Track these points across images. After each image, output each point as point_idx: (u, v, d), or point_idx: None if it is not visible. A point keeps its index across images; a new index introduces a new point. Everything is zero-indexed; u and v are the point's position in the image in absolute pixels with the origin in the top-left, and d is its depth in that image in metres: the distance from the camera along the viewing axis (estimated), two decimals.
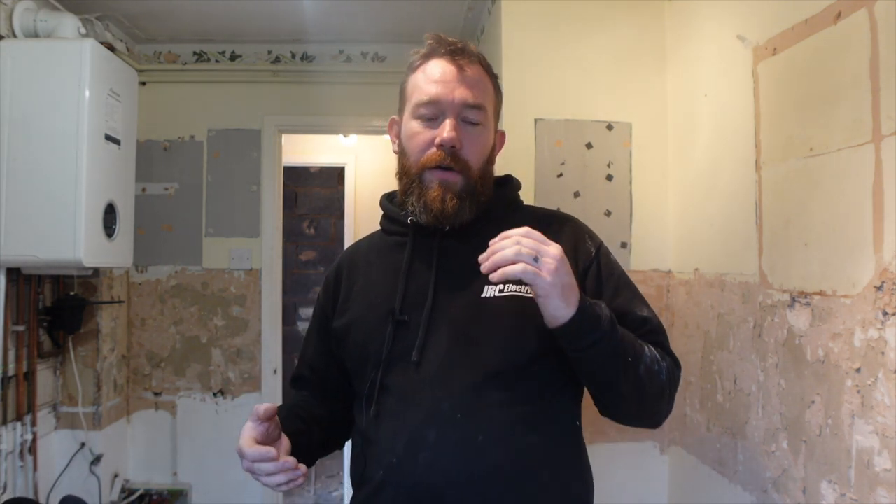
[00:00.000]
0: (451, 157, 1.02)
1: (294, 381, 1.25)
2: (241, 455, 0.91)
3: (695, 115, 1.96)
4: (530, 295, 0.97)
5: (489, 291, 1.02)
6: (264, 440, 0.93)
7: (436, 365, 0.99)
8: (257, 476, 0.91)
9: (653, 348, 1.01)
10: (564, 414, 1.04)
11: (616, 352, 0.93)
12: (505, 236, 0.89)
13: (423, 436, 0.97)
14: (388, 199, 1.19)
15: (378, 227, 1.23)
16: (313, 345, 1.21)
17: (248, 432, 0.93)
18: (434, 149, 1.03)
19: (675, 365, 1.06)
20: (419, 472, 0.96)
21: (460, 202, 1.03)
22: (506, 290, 1.02)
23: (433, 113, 1.04)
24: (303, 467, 0.92)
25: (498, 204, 1.12)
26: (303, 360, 1.23)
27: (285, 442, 0.98)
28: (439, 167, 1.03)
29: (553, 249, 0.88)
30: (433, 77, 1.04)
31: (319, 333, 1.19)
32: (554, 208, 1.23)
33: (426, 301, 1.03)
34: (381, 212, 1.23)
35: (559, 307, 0.88)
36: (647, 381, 0.97)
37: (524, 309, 0.99)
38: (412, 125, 1.06)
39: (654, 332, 1.05)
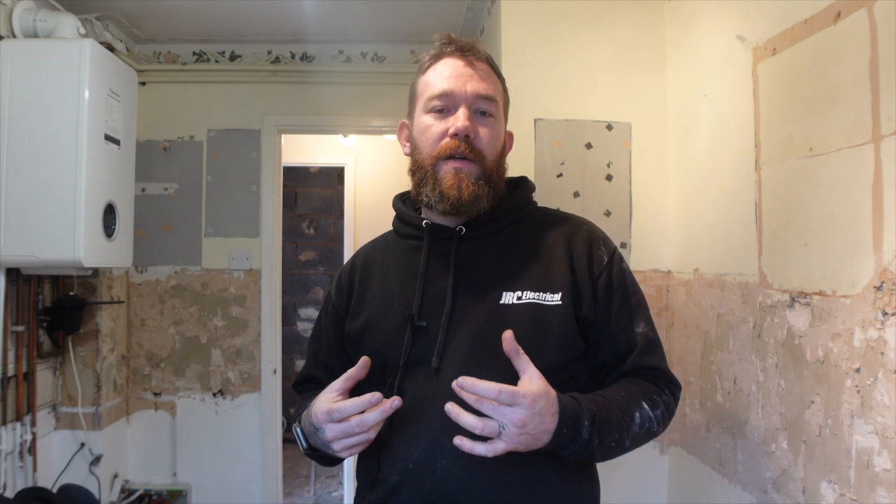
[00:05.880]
0: (466, 145, 1.03)
1: (303, 381, 1.22)
2: (332, 415, 0.94)
3: (695, 115, 1.96)
4: (550, 303, 1.01)
5: (508, 298, 1.02)
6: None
7: (455, 371, 0.97)
8: (351, 438, 0.94)
9: (646, 399, 1.01)
10: None
11: (595, 451, 0.94)
12: (474, 398, 0.87)
13: (441, 443, 0.96)
14: (400, 201, 1.18)
15: (389, 228, 1.22)
16: (327, 345, 1.18)
17: (329, 400, 0.97)
18: (448, 139, 1.03)
19: (672, 394, 1.07)
20: (436, 479, 0.96)
21: (476, 189, 1.03)
22: (524, 297, 1.02)
23: (446, 105, 1.05)
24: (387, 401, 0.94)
25: (514, 206, 1.11)
26: (314, 360, 1.20)
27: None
28: (453, 157, 1.03)
29: (517, 415, 0.86)
30: (445, 74, 1.06)
31: (334, 333, 1.17)
32: (555, 209, 1.23)
33: (444, 306, 1.02)
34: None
35: (529, 447, 0.90)
36: (635, 444, 1.00)
37: (543, 317, 1.01)
38: (424, 119, 1.07)
39: (646, 353, 1.05)
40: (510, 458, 0.94)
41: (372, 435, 0.95)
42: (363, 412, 0.93)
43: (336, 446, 0.96)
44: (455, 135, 1.02)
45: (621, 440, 0.96)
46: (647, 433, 1.00)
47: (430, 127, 1.06)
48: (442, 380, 0.99)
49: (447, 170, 1.04)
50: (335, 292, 1.19)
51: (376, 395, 0.93)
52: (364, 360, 1.00)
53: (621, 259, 1.11)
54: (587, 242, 1.09)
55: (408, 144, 1.13)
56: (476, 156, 1.04)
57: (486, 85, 1.05)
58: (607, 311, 1.05)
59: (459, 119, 1.02)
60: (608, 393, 1.00)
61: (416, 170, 1.09)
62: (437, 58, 1.08)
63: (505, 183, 1.12)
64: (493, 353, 0.98)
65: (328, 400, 0.97)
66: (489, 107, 1.06)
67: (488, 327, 1.00)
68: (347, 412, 0.93)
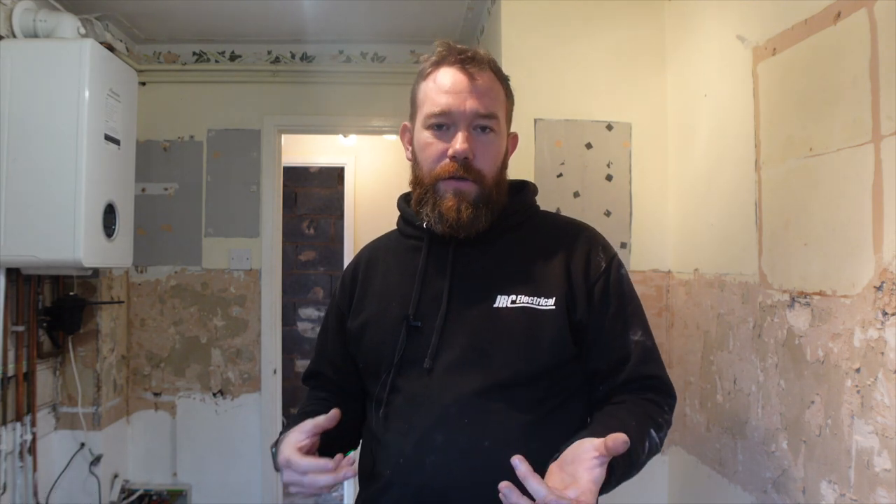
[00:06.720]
0: (465, 167, 1.03)
1: (310, 377, 1.24)
2: (289, 465, 0.93)
3: (695, 115, 1.96)
4: (543, 307, 1.01)
5: (501, 302, 1.03)
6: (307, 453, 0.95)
7: (446, 371, 1.01)
8: (302, 489, 0.93)
9: (654, 425, 0.99)
10: (569, 423, 1.05)
11: (618, 483, 0.93)
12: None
13: (431, 439, 0.99)
14: (404, 201, 1.18)
15: (389, 227, 1.24)
16: (332, 342, 1.21)
17: (295, 443, 0.94)
18: (447, 160, 1.04)
19: (671, 409, 1.06)
20: (426, 473, 0.98)
21: (475, 211, 1.04)
22: (518, 301, 1.03)
23: (445, 122, 1.05)
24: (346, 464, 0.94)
25: (514, 211, 1.12)
26: (321, 356, 1.23)
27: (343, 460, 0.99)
28: (453, 177, 1.04)
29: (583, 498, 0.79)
30: (444, 87, 1.05)
31: (338, 331, 1.19)
32: (557, 213, 1.24)
33: (440, 308, 1.04)
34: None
35: None
36: (644, 465, 0.98)
37: (535, 321, 1.01)
38: (424, 136, 1.07)
39: (644, 362, 1.05)
40: (500, 454, 0.96)
41: (323, 491, 0.95)
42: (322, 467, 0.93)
43: (291, 489, 0.97)
44: (454, 157, 1.03)
45: (630, 474, 0.96)
46: (652, 453, 1.00)
47: (429, 145, 1.06)
48: (433, 380, 1.02)
49: (446, 190, 1.05)
50: (339, 290, 1.22)
51: (330, 463, 0.92)
52: (334, 413, 0.98)
53: (620, 266, 1.11)
54: (586, 248, 1.09)
55: (410, 148, 1.14)
56: (475, 176, 1.04)
57: (485, 102, 1.05)
58: (602, 316, 1.05)
59: (458, 142, 1.03)
60: (623, 426, 0.95)
61: (417, 185, 1.10)
62: (437, 65, 1.07)
63: (506, 189, 1.12)
64: (484, 356, 1.01)
65: (293, 444, 0.96)
66: (489, 122, 1.05)
67: (481, 330, 1.02)
68: (303, 469, 0.93)
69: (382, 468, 1.03)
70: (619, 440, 0.80)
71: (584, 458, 0.83)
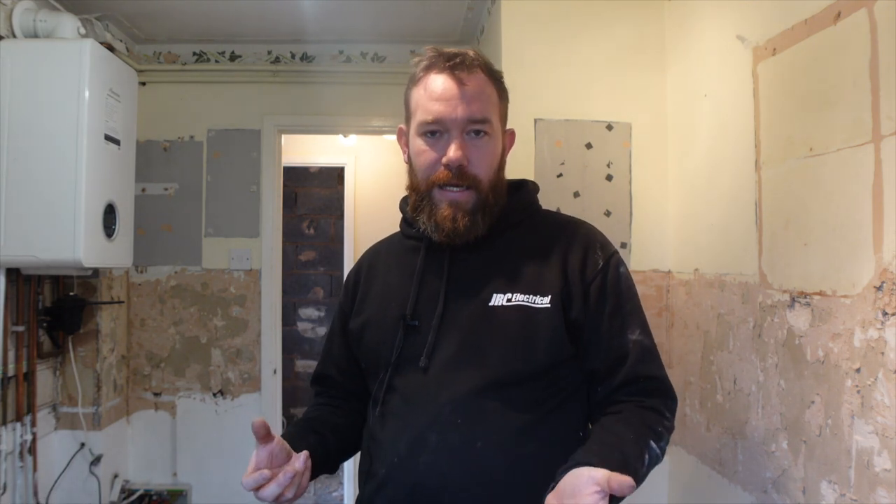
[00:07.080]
0: (459, 175, 1.03)
1: (317, 379, 1.25)
2: (244, 487, 0.92)
3: (695, 115, 1.96)
4: (538, 305, 1.01)
5: (497, 300, 1.03)
6: (268, 465, 0.92)
7: (442, 370, 1.02)
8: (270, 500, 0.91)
9: (654, 435, 0.98)
10: (567, 424, 1.05)
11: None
12: None
13: (424, 438, 0.99)
14: (406, 203, 1.19)
15: (389, 227, 1.26)
16: (338, 344, 1.22)
17: (252, 462, 0.92)
18: (442, 168, 1.04)
19: (672, 413, 1.05)
20: (419, 472, 0.98)
21: (472, 219, 1.04)
22: (514, 299, 1.03)
23: (438, 129, 1.05)
24: (297, 464, 0.92)
25: (512, 210, 1.12)
26: (328, 358, 1.24)
27: (296, 461, 0.96)
28: (448, 186, 1.04)
29: None
30: (434, 94, 1.04)
31: (342, 332, 1.21)
32: (555, 209, 1.24)
33: (437, 308, 1.05)
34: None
35: None
36: (645, 478, 0.97)
37: (531, 320, 1.01)
38: (418, 143, 1.07)
39: (642, 362, 1.04)
40: (492, 455, 0.97)
41: (287, 496, 0.93)
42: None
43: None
44: (448, 165, 1.03)
45: (641, 478, 0.95)
46: (651, 466, 0.99)
47: (423, 152, 1.06)
48: (430, 378, 1.02)
49: (441, 199, 1.05)
50: (343, 292, 1.24)
51: (265, 473, 0.90)
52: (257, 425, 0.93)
53: (619, 264, 1.10)
54: (583, 246, 1.09)
55: (407, 150, 1.14)
56: (470, 182, 1.04)
57: (476, 106, 1.04)
58: (599, 315, 1.04)
59: (451, 150, 1.03)
60: (620, 442, 0.95)
61: (413, 190, 1.11)
62: (427, 69, 1.07)
63: (505, 189, 1.12)
64: (479, 354, 1.01)
65: (252, 466, 0.94)
66: (482, 127, 1.05)
67: (477, 328, 1.03)
68: (249, 487, 0.91)
69: (378, 467, 1.04)
70: (624, 483, 0.77)
71: (585, 492, 0.80)
